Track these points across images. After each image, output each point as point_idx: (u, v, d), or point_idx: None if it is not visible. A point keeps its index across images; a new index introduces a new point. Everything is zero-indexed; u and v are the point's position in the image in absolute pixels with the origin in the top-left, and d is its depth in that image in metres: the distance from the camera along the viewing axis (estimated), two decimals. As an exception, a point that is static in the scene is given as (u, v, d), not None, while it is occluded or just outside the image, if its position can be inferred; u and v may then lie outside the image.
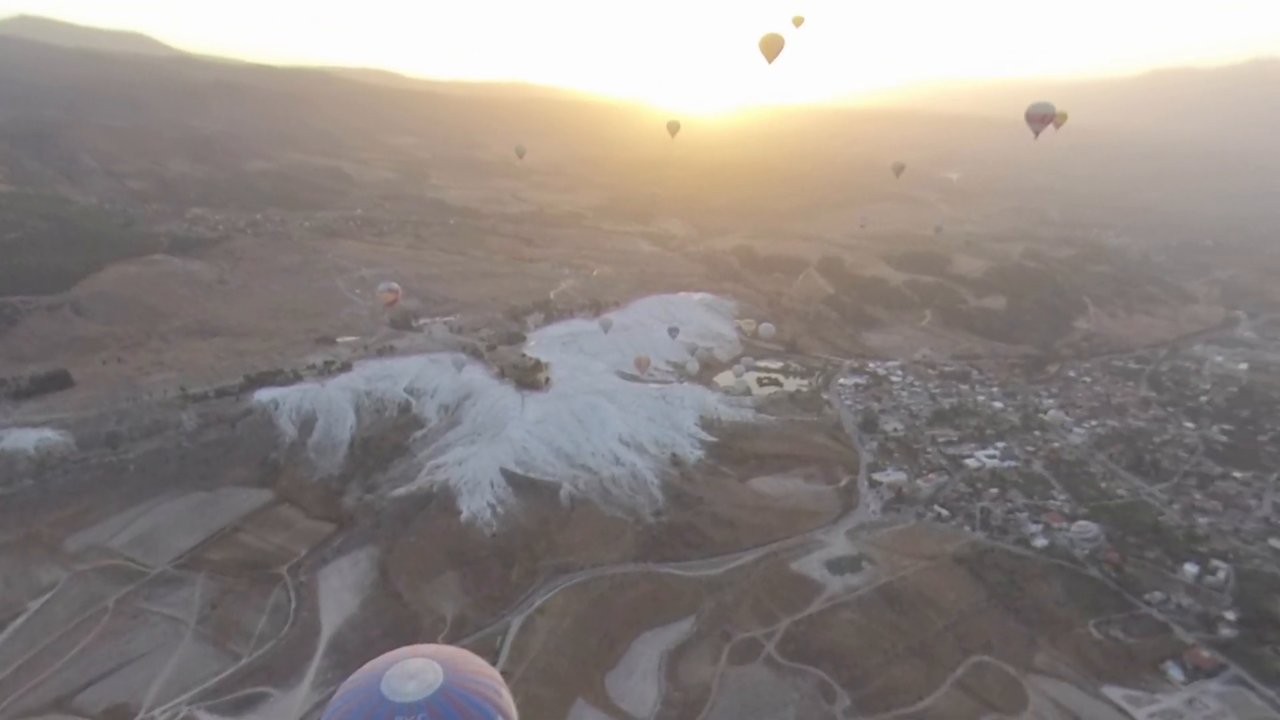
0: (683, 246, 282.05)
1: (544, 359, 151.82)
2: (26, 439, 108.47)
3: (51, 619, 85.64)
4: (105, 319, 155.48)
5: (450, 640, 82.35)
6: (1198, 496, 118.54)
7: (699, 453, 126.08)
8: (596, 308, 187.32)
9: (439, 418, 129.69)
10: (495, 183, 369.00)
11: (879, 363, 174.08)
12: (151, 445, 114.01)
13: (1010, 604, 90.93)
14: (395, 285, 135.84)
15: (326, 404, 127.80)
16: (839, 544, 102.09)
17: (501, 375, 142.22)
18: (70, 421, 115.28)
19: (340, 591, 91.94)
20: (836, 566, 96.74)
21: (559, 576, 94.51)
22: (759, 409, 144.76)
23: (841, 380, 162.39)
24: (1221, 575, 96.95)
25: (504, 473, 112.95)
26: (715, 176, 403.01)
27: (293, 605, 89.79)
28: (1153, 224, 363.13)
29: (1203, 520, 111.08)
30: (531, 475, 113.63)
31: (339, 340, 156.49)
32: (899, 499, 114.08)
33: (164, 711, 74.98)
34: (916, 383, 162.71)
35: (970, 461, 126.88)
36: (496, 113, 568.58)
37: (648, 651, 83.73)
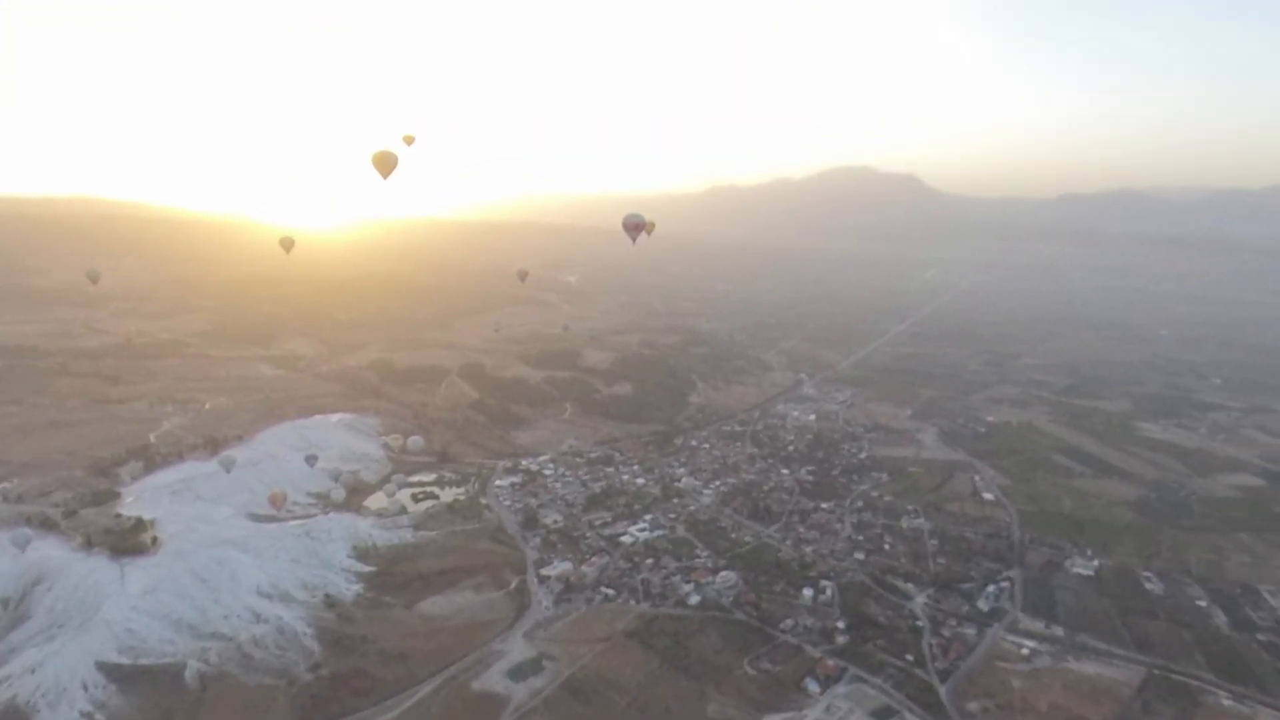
0: (312, 366, 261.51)
1: (148, 515, 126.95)
2: None
3: None
4: None
5: None
6: (801, 530, 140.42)
7: (356, 587, 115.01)
8: (213, 445, 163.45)
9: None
10: (61, 313, 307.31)
11: (531, 459, 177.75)
12: None
13: (679, 664, 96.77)
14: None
15: None
16: (518, 649, 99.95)
17: (88, 545, 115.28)
18: None
19: None
20: (519, 673, 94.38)
21: (196, 777, 77.69)
22: (417, 526, 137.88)
23: (498, 482, 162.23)
24: (829, 593, 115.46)
25: (102, 667, 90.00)
26: (341, 291, 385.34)
27: None
28: (731, 309, 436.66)
29: (808, 549, 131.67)
30: (143, 662, 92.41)
31: None
32: (568, 589, 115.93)
33: None
34: (568, 473, 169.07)
35: (625, 538, 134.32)
36: (56, 233, 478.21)
37: (322, 833, 72.29)
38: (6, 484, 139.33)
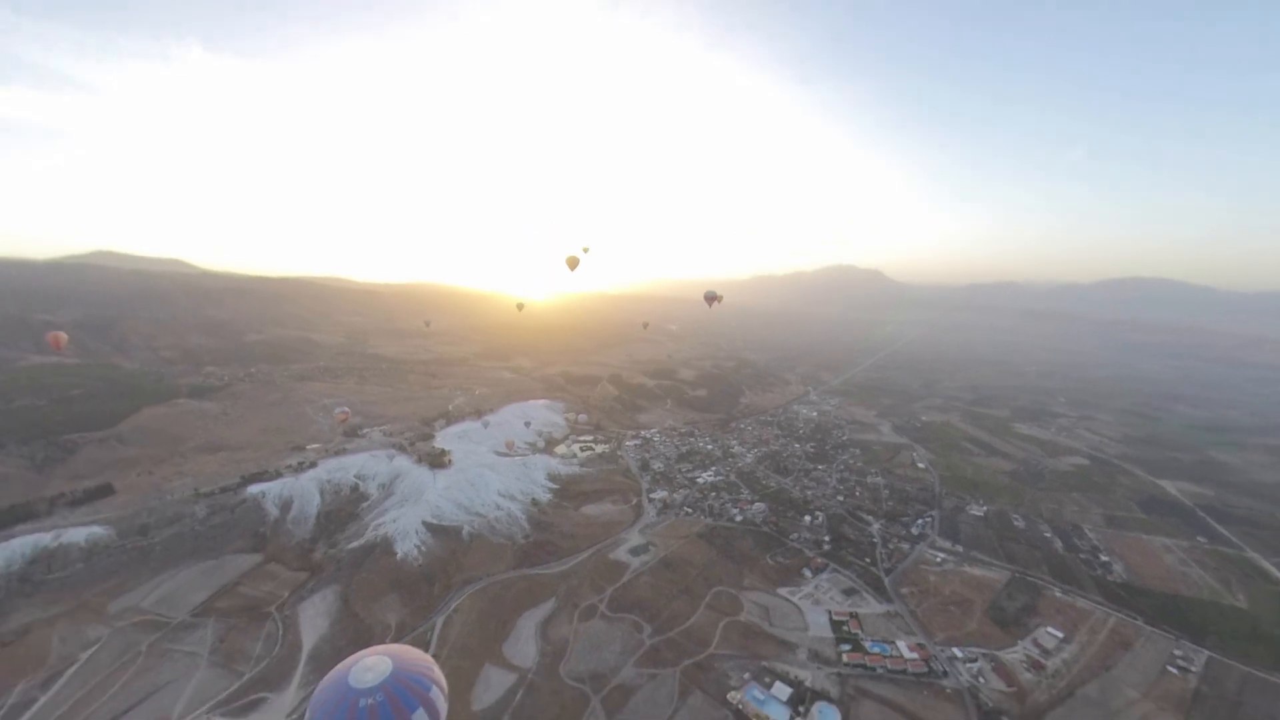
0: (530, 373, 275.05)
1: (447, 448, 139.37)
2: (79, 534, 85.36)
3: (98, 664, 65.72)
4: (140, 445, 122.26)
5: (394, 640, 70.41)
6: (805, 481, 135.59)
7: (549, 496, 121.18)
8: (479, 413, 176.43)
9: (379, 492, 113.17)
10: (411, 342, 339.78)
11: (646, 431, 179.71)
12: (172, 531, 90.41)
13: (728, 555, 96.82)
14: (346, 408, 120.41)
15: (300, 490, 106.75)
16: (635, 538, 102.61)
17: (419, 461, 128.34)
18: (112, 519, 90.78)
19: (315, 619, 75.27)
20: (635, 551, 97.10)
21: (466, 586, 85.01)
22: (582, 465, 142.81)
23: (627, 443, 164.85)
24: (820, 519, 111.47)
25: (424, 524, 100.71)
26: (546, 332, 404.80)
27: (280, 632, 72.29)
28: (767, 347, 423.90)
29: (808, 492, 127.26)
30: (443, 523, 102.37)
31: (308, 447, 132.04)
32: (666, 507, 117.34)
33: None
34: (667, 440, 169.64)
35: (700, 480, 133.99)
36: (412, 300, 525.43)
37: (528, 624, 77.39)
38: (385, 427, 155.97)
